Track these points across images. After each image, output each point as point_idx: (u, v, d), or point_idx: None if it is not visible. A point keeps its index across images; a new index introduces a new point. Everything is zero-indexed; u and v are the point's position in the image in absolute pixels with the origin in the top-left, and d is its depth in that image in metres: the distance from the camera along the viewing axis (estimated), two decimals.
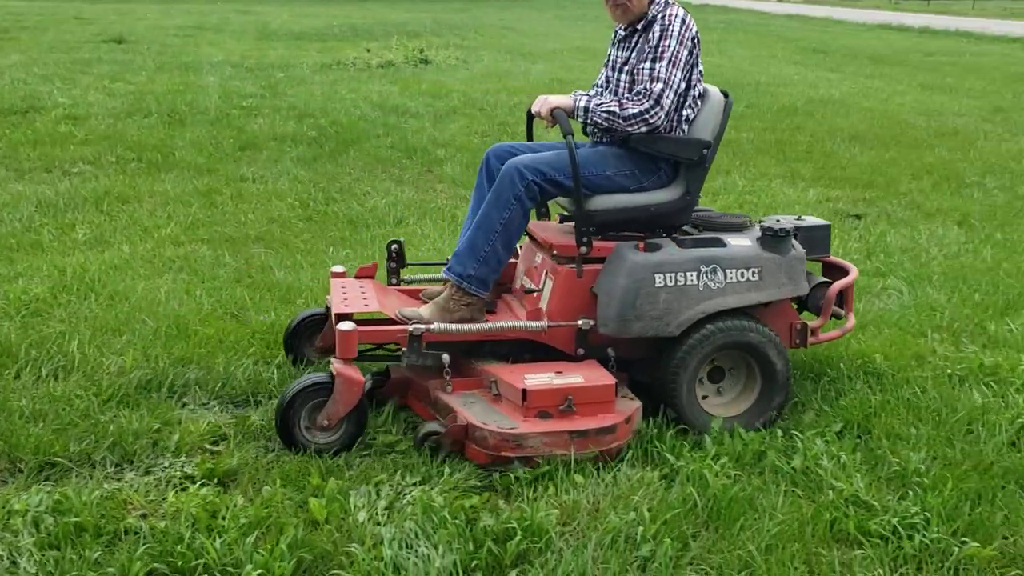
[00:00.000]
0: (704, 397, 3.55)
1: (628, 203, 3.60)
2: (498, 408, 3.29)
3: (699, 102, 3.68)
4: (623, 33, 3.80)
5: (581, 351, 3.52)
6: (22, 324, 4.33)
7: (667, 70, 3.52)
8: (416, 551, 2.63)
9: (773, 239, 3.53)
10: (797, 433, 3.42)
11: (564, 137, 3.50)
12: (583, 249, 3.50)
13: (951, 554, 2.74)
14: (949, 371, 4.08)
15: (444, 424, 3.22)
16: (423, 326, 3.41)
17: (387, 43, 17.05)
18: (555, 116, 3.54)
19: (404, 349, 3.41)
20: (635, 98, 3.55)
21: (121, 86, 11.56)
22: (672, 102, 3.54)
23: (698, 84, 3.66)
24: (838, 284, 3.81)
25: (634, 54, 3.68)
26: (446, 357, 3.38)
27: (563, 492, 3.01)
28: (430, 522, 2.76)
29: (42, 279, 4.98)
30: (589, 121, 3.60)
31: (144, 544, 2.61)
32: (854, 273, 3.94)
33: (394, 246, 4.01)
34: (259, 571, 2.47)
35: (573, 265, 3.53)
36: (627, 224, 3.63)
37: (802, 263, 3.60)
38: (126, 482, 3.05)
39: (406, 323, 3.47)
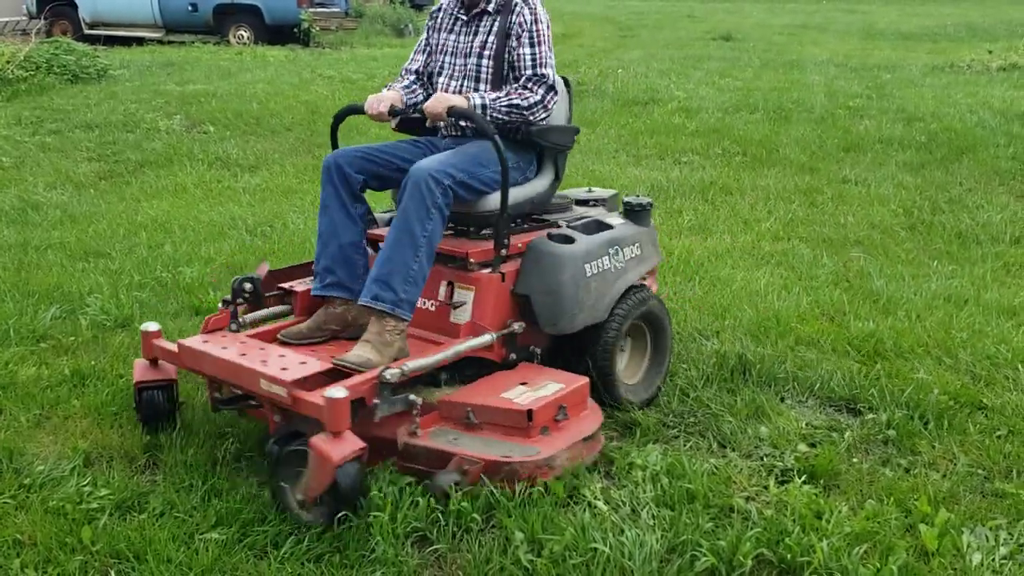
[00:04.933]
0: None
1: (517, 197, 3.46)
2: (487, 435, 2.99)
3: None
4: (464, 16, 3.58)
5: (513, 356, 3.34)
6: None
7: (548, 55, 3.48)
8: None
9: (639, 213, 3.72)
10: None
11: (490, 137, 3.20)
12: (503, 251, 3.32)
13: None
14: None
15: (462, 470, 2.84)
16: (397, 370, 2.91)
17: (1011, 43, 15.38)
18: (460, 114, 3.32)
19: (375, 400, 2.89)
20: (530, 86, 3.43)
21: (729, 82, 12.07)
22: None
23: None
24: None
25: (492, 38, 3.50)
26: (417, 399, 2.96)
27: None
28: None
29: None
30: (489, 117, 3.33)
31: (753, 528, 2.69)
32: None
33: (247, 284, 3.38)
34: None
35: (492, 271, 3.32)
36: (514, 219, 3.49)
37: (656, 233, 3.82)
38: (730, 461, 3.18)
39: (360, 371, 2.94)
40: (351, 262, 3.34)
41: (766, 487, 2.97)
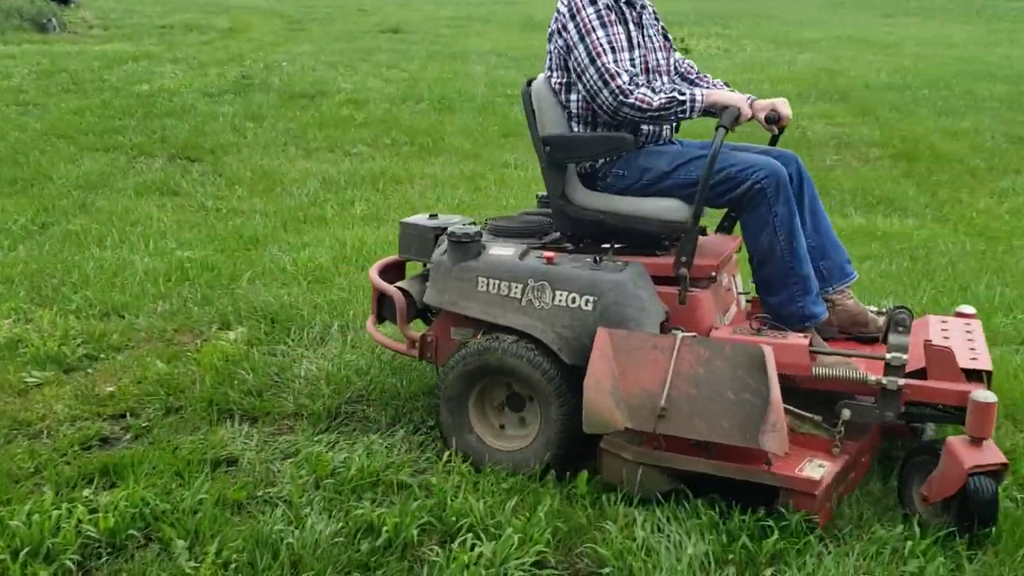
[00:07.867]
0: None
1: None
2: None
3: None
4: (634, 12, 3.29)
5: None
6: (308, 289, 4.75)
7: None
8: (668, 536, 2.64)
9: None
10: None
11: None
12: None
13: None
14: None
15: None
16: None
17: None
18: None
19: None
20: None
21: (396, 73, 12.30)
22: None
23: None
24: None
25: (657, 31, 3.40)
26: None
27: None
28: (683, 510, 2.76)
29: (325, 249, 5.42)
30: None
31: (417, 500, 2.80)
32: None
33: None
34: (519, 535, 2.58)
35: None
36: None
37: None
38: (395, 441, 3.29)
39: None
40: None
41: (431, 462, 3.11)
